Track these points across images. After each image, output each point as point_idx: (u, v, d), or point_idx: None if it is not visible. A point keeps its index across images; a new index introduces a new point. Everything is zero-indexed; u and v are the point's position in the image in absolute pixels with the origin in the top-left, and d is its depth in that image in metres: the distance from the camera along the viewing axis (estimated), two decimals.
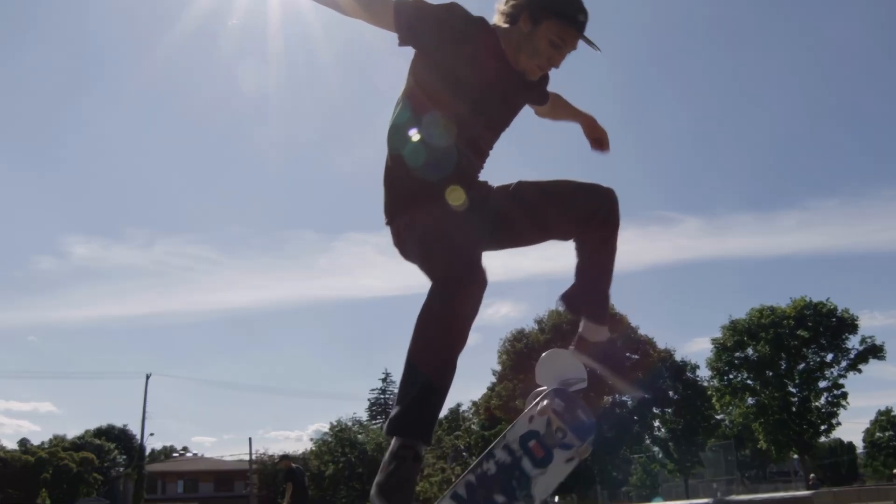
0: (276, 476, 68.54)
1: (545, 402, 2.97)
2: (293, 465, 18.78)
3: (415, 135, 2.92)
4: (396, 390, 2.86)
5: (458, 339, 2.62)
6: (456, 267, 2.64)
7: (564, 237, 3.14)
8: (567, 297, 3.25)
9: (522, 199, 3.09)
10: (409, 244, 3.00)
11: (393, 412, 2.63)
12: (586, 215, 3.03)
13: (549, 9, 2.96)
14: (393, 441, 2.60)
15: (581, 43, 3.00)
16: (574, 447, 2.87)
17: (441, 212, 2.86)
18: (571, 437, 2.89)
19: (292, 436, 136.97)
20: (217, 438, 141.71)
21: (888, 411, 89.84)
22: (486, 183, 3.18)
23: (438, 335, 2.60)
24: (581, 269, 3.17)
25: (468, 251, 2.71)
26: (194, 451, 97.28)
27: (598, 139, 3.64)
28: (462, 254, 2.69)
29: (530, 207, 3.08)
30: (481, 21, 3.04)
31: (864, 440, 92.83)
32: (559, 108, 3.60)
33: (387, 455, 2.59)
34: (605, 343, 3.24)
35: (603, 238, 3.09)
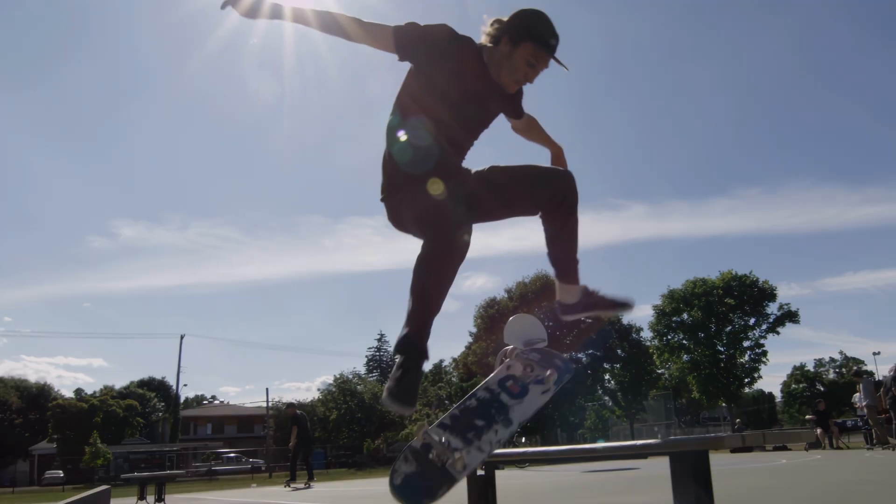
0: (287, 420, 68.31)
1: (517, 351, 3.07)
2: (297, 411, 19.14)
3: (402, 136, 2.96)
4: (388, 354, 3.39)
5: (446, 275, 2.65)
6: (448, 238, 2.66)
7: (530, 212, 3.12)
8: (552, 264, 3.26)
9: (493, 181, 3.10)
10: (404, 213, 2.97)
11: (399, 334, 2.67)
12: (548, 194, 3.03)
13: (527, 33, 2.99)
14: (399, 357, 2.65)
15: (553, 63, 3.04)
16: (545, 383, 2.91)
17: (432, 189, 2.88)
18: (542, 372, 2.92)
19: (303, 386, 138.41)
20: (240, 388, 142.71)
21: (802, 367, 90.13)
22: (465, 169, 3.17)
23: (427, 286, 2.64)
24: (550, 240, 3.14)
25: (460, 223, 2.71)
26: (221, 399, 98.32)
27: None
28: (454, 227, 2.69)
29: (499, 188, 3.08)
30: (467, 40, 3.07)
31: (781, 391, 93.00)
32: (534, 131, 3.53)
33: (395, 367, 2.63)
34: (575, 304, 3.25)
35: (564, 213, 3.06)
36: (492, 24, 3.07)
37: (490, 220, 3.24)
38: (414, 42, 2.96)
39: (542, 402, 2.92)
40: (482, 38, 3.09)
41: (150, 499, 11.31)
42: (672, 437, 2.71)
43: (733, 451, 21.96)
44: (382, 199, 3.09)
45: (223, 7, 2.82)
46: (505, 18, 3.05)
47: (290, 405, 22.02)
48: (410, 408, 2.57)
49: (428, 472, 2.62)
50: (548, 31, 3.00)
